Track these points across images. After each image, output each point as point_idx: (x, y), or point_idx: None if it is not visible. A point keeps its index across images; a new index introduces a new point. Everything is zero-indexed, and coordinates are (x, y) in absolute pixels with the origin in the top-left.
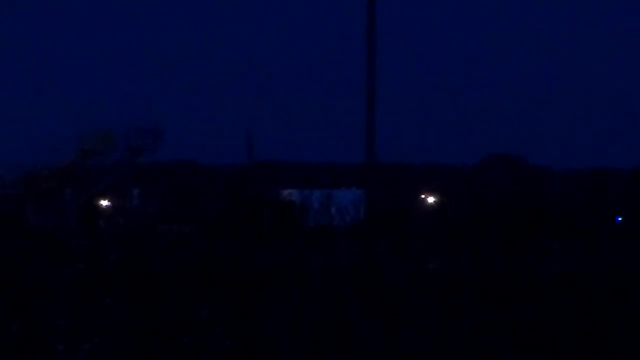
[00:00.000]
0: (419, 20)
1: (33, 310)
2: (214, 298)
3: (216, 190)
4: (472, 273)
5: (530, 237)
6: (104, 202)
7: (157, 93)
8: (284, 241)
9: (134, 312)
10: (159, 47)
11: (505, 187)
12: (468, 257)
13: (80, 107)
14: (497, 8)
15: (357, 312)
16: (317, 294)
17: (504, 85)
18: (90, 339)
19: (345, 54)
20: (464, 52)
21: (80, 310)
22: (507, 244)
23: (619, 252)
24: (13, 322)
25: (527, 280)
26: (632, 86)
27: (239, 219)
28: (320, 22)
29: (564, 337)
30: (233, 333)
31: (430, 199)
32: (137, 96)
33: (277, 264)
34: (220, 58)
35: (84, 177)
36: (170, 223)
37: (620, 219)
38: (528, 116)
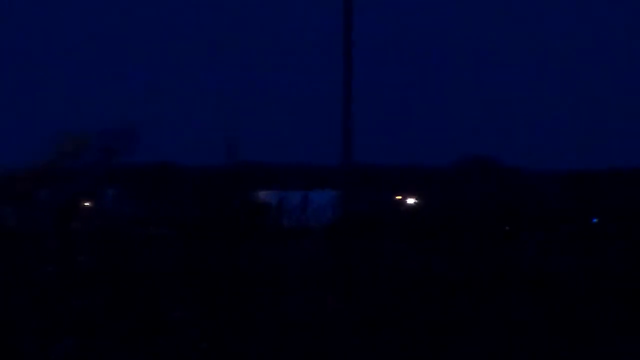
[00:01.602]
0: (396, 21)
1: (6, 311)
2: (189, 300)
3: (194, 192)
4: (447, 273)
5: (507, 238)
6: (80, 204)
7: (135, 94)
8: (259, 243)
9: (108, 313)
10: (137, 47)
11: (482, 189)
12: (444, 257)
13: (55, 108)
14: (474, 9)
15: (332, 312)
16: (292, 294)
17: (481, 87)
18: (64, 339)
19: (322, 56)
20: (441, 53)
21: (54, 311)
22: (483, 245)
23: (593, 253)
24: None
25: (503, 280)
26: (610, 87)
27: (215, 220)
28: (297, 23)
29: (543, 335)
30: (208, 335)
31: (408, 200)
32: (114, 97)
33: (252, 265)
34: (199, 59)
35: (60, 178)
36: (147, 225)
37: (595, 220)
38: (505, 117)
